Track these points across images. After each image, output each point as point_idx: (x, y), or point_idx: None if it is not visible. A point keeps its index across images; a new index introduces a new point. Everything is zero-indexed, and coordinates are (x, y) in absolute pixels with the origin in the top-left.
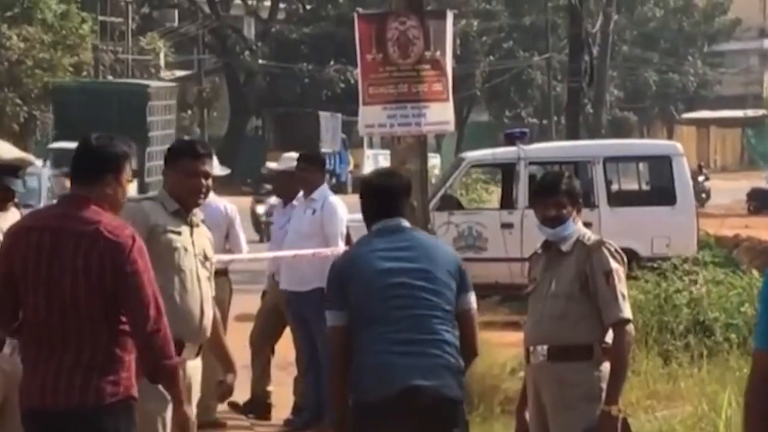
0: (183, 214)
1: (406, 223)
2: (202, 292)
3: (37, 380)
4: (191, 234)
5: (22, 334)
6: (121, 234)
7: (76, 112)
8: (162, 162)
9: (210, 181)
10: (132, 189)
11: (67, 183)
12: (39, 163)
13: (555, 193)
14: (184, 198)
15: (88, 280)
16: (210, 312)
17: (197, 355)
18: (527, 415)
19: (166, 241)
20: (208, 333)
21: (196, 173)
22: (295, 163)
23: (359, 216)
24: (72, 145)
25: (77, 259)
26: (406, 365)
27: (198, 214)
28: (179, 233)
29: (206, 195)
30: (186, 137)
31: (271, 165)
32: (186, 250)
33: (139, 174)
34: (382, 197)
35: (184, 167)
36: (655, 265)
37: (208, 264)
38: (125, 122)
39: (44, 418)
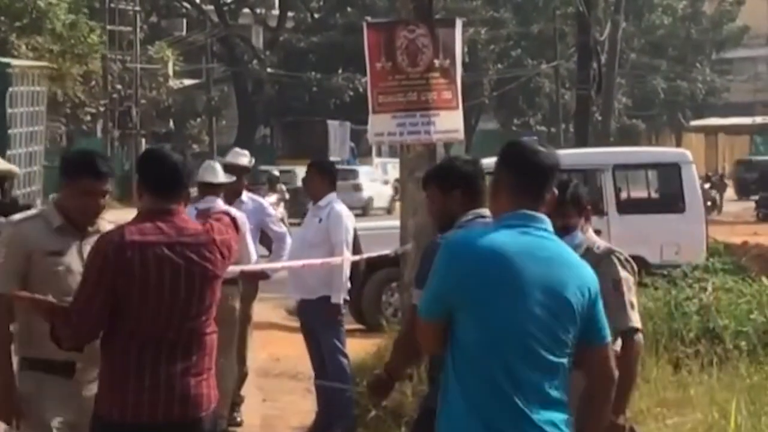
0: (69, 229)
1: None
2: None
3: (143, 395)
4: (80, 249)
5: (112, 350)
6: (225, 229)
7: None
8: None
9: (106, 199)
10: None
11: None
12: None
13: (560, 202)
14: (74, 217)
15: (216, 284)
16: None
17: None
18: None
19: (46, 265)
20: None
21: (93, 193)
22: (245, 159)
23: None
24: None
25: (205, 265)
26: None
27: (100, 222)
28: (61, 253)
29: (99, 214)
30: (81, 147)
31: (225, 159)
32: (70, 270)
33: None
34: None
35: (82, 186)
36: (665, 272)
37: None
38: None
39: (153, 430)
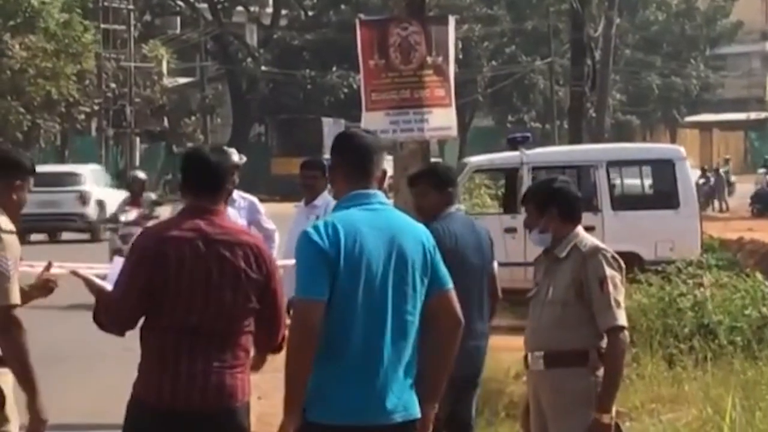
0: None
1: None
2: None
3: (180, 382)
4: None
5: (150, 338)
6: (265, 246)
7: None
8: None
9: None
10: None
11: None
12: None
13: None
14: (13, 215)
15: (248, 285)
16: None
17: None
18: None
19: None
20: None
21: (28, 190)
22: (234, 156)
23: None
24: None
25: (238, 265)
26: None
27: None
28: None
29: None
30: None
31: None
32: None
33: None
34: None
35: (25, 183)
36: (659, 268)
37: None
38: None
39: (188, 418)
